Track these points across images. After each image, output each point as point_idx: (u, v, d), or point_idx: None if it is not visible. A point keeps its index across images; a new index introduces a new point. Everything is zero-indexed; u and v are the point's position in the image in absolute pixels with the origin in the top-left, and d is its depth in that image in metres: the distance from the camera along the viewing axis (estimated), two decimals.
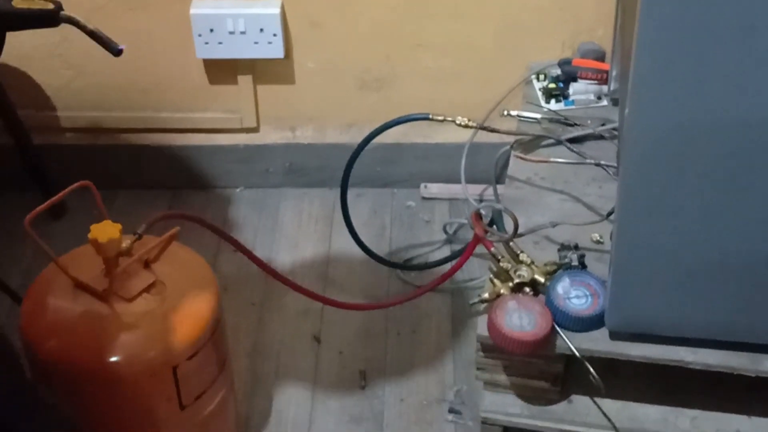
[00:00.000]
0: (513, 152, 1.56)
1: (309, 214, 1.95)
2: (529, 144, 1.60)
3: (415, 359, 1.64)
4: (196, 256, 1.35)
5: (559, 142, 1.59)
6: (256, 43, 1.79)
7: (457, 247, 1.84)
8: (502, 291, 1.31)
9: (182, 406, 1.27)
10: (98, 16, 1.72)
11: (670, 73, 1.05)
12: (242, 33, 1.78)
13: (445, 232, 1.88)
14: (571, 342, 1.26)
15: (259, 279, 1.75)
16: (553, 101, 1.71)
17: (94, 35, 1.34)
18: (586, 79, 1.70)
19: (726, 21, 1.01)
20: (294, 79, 1.88)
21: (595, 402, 1.35)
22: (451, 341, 1.67)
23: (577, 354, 1.26)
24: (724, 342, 1.25)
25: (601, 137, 1.60)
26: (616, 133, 1.57)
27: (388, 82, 1.88)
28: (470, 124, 1.56)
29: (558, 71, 1.74)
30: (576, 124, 1.63)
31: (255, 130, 1.95)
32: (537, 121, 1.66)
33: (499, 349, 1.28)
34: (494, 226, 1.46)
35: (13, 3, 1.36)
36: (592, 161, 1.54)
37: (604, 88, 1.69)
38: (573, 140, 1.59)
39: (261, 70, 1.87)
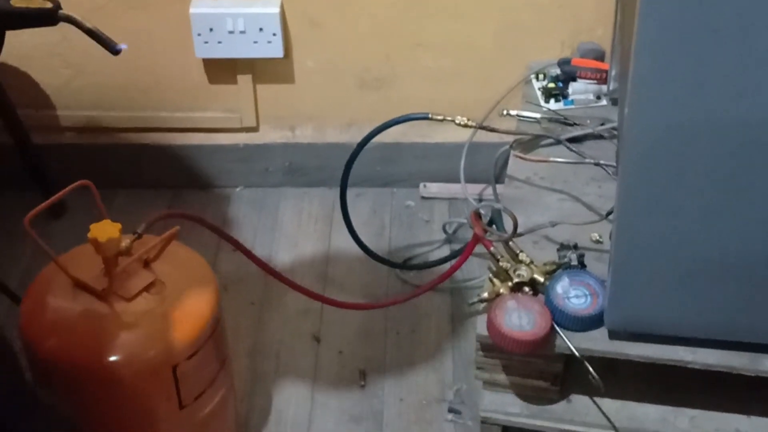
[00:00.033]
0: (512, 152, 1.56)
1: (308, 213, 1.95)
2: (529, 143, 1.60)
3: (415, 359, 1.64)
4: (196, 256, 1.35)
5: (558, 142, 1.59)
6: (255, 42, 1.79)
7: (457, 246, 1.84)
8: (501, 290, 1.31)
9: (182, 405, 1.27)
10: (98, 15, 1.71)
11: (669, 72, 1.05)
12: (242, 32, 1.78)
13: (445, 231, 1.88)
14: (570, 341, 1.26)
15: (259, 278, 1.75)
16: (552, 101, 1.71)
17: (92, 34, 1.34)
18: (585, 78, 1.70)
19: (726, 21, 1.01)
20: (293, 78, 1.88)
21: (594, 401, 1.35)
22: (450, 341, 1.67)
23: (576, 353, 1.26)
24: (724, 341, 1.25)
25: (600, 137, 1.60)
26: (615, 132, 1.57)
27: (388, 82, 1.88)
28: (470, 123, 1.56)
29: (557, 71, 1.74)
30: (575, 124, 1.63)
31: (254, 129, 1.95)
32: (536, 120, 1.66)
33: (498, 349, 1.28)
34: (493, 226, 1.46)
35: (12, 2, 1.35)
36: (592, 161, 1.54)
37: (604, 87, 1.69)
38: (572, 140, 1.59)
39: (260, 70, 1.87)
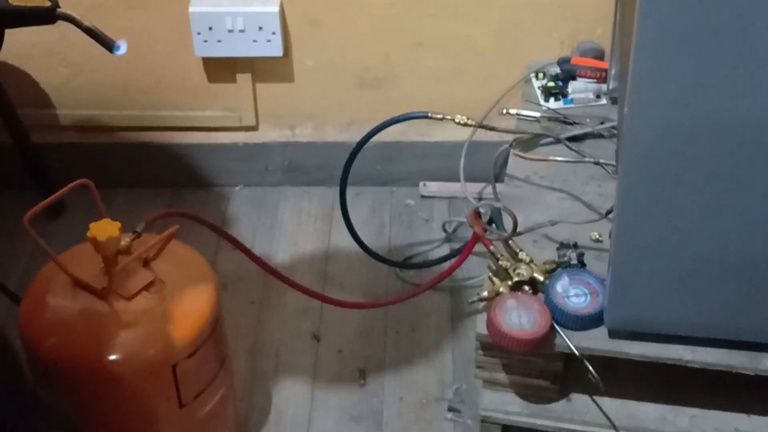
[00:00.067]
0: (512, 151, 1.56)
1: (308, 212, 1.95)
2: (528, 142, 1.60)
3: (415, 358, 1.64)
4: (196, 255, 1.35)
5: (558, 141, 1.59)
6: (255, 41, 1.79)
7: (457, 245, 1.84)
8: (501, 289, 1.31)
9: (181, 404, 1.27)
10: (97, 14, 1.71)
11: (669, 72, 1.05)
12: (241, 31, 1.78)
13: (444, 230, 1.88)
14: (570, 340, 1.27)
15: (259, 277, 1.75)
16: (552, 100, 1.70)
17: (90, 32, 1.33)
18: (585, 77, 1.70)
19: (726, 21, 1.01)
20: (293, 77, 1.88)
21: (594, 400, 1.35)
22: (450, 340, 1.67)
23: (576, 352, 1.26)
24: (723, 340, 1.25)
25: (600, 136, 1.60)
26: (615, 131, 1.57)
27: (388, 81, 1.88)
28: (469, 122, 1.56)
29: (557, 70, 1.74)
30: (575, 123, 1.63)
31: (254, 128, 1.95)
32: (536, 119, 1.66)
33: (498, 348, 1.28)
34: (493, 225, 1.46)
35: (10, 0, 1.35)
36: (591, 160, 1.54)
37: (603, 86, 1.69)
38: (572, 139, 1.59)
39: (260, 69, 1.87)
